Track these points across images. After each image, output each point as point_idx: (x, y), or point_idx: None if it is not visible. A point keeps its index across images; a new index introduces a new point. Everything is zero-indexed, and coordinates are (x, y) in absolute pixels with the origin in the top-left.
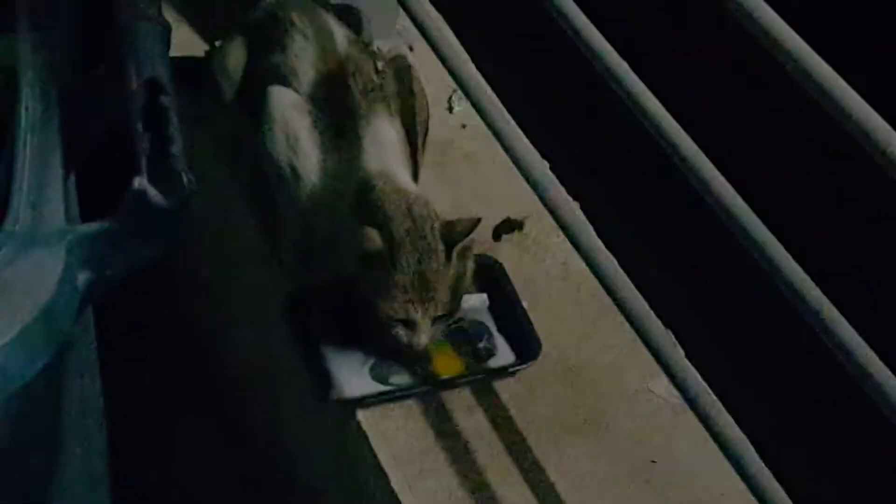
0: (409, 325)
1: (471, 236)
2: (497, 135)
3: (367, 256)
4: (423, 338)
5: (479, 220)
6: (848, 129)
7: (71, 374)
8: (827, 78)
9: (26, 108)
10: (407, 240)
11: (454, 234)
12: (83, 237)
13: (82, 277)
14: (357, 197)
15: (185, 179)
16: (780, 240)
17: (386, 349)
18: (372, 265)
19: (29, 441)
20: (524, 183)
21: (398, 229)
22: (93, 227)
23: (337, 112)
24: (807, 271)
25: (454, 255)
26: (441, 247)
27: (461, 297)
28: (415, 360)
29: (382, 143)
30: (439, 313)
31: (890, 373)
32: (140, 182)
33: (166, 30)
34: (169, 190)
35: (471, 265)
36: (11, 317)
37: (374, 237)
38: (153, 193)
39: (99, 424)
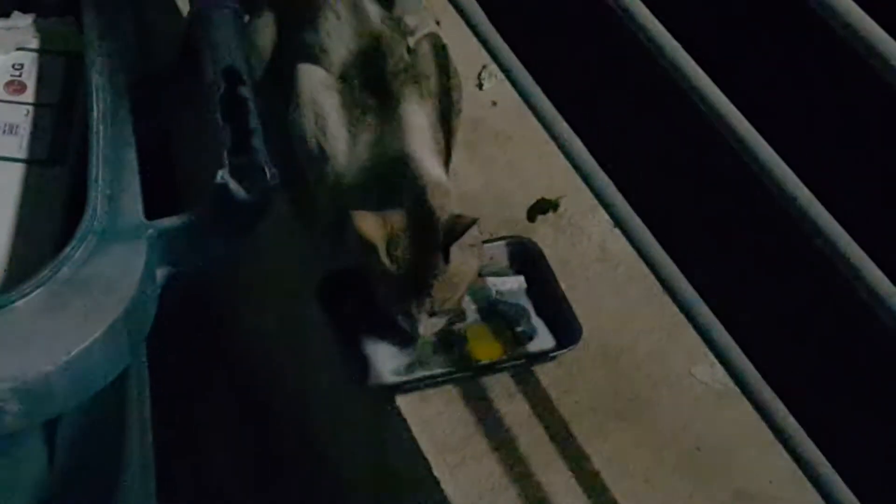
0: (408, 315)
1: (474, 234)
2: (533, 110)
3: (365, 244)
4: (421, 328)
5: (475, 220)
6: None
7: (131, 376)
8: None
9: (97, 98)
10: (406, 232)
11: (455, 231)
12: (163, 232)
13: (160, 273)
14: (380, 181)
15: (267, 173)
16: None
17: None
18: (370, 253)
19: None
20: (557, 162)
21: (402, 220)
22: (173, 221)
23: (367, 91)
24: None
25: (451, 253)
26: (439, 242)
27: (463, 294)
28: (449, 346)
29: (411, 126)
30: (437, 308)
31: None
32: (222, 175)
33: (240, 17)
34: (250, 183)
35: (476, 262)
36: (95, 315)
37: (369, 224)
38: (235, 187)
39: (149, 434)
